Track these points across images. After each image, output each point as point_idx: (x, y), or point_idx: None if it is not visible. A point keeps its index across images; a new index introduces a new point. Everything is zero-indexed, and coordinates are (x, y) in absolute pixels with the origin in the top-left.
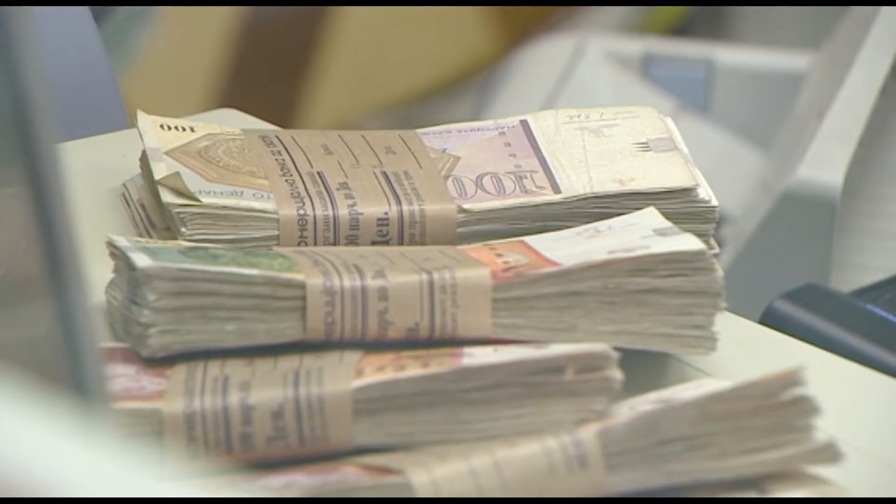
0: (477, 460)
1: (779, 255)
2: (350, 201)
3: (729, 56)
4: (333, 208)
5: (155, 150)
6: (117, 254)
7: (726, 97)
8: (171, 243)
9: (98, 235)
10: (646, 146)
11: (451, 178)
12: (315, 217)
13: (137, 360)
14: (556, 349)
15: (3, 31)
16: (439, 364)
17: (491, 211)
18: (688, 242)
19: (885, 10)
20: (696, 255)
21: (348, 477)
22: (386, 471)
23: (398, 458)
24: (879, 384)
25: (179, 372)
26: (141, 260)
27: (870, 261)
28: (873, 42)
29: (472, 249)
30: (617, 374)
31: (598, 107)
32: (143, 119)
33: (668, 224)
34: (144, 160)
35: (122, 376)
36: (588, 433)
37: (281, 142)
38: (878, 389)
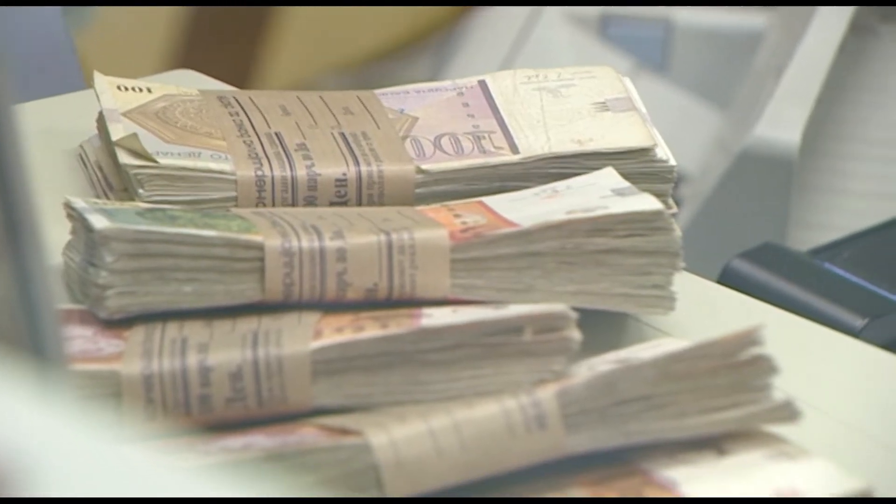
0: (436, 421)
1: (737, 214)
2: (308, 162)
3: (686, 15)
4: (291, 169)
5: (112, 111)
6: (74, 215)
7: (684, 56)
8: (128, 205)
9: (55, 197)
10: (604, 106)
11: (409, 139)
12: (273, 178)
13: (95, 321)
14: (515, 310)
15: None
16: (398, 325)
17: (449, 171)
18: (646, 202)
19: None
20: (654, 215)
21: (307, 438)
22: (344, 432)
23: (357, 418)
24: (837, 343)
25: (137, 333)
26: (98, 221)
27: (827, 219)
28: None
29: (431, 210)
30: (575, 335)
31: (556, 67)
32: (100, 80)
33: (626, 184)
34: (101, 121)
35: (80, 338)
36: (546, 393)
37: (238, 103)
38: (836, 348)
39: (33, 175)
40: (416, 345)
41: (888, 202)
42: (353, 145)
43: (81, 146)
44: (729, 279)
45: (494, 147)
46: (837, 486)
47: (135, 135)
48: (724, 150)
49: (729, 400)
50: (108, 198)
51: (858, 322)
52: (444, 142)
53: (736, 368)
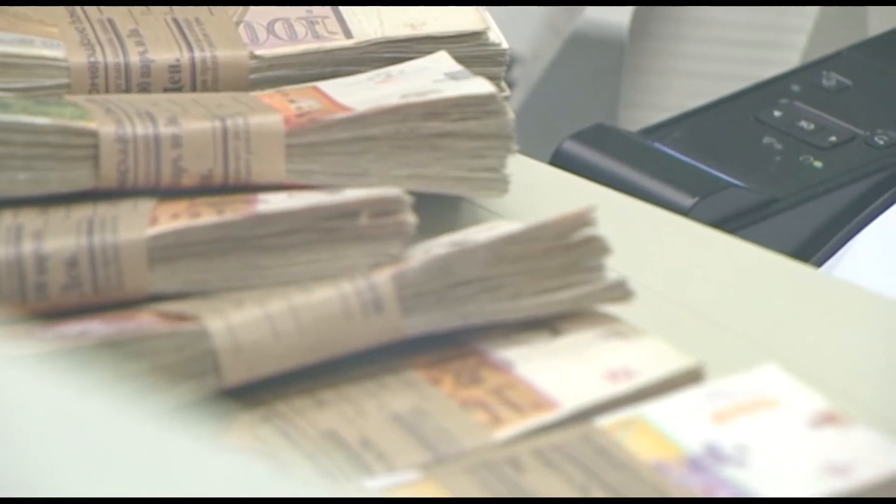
0: (273, 306)
1: (568, 96)
2: (141, 48)
3: None
4: (124, 55)
5: None
6: None
7: None
8: None
9: None
10: None
11: (242, 24)
12: (106, 64)
13: None
14: (351, 194)
15: None
16: (234, 211)
17: (283, 56)
18: (479, 86)
19: None
20: (487, 99)
21: (144, 324)
22: (182, 318)
23: (194, 304)
24: (668, 222)
25: None
26: None
27: (657, 100)
28: None
29: (265, 95)
30: (411, 218)
31: None
32: None
33: (459, 68)
34: None
35: None
36: (383, 277)
37: None
38: (667, 227)
39: None
40: (252, 230)
41: (717, 82)
42: (186, 31)
43: None
44: (561, 160)
45: (328, 32)
46: (669, 365)
47: None
48: (554, 32)
49: (563, 281)
50: None
51: (688, 201)
52: (278, 27)
53: (569, 249)
